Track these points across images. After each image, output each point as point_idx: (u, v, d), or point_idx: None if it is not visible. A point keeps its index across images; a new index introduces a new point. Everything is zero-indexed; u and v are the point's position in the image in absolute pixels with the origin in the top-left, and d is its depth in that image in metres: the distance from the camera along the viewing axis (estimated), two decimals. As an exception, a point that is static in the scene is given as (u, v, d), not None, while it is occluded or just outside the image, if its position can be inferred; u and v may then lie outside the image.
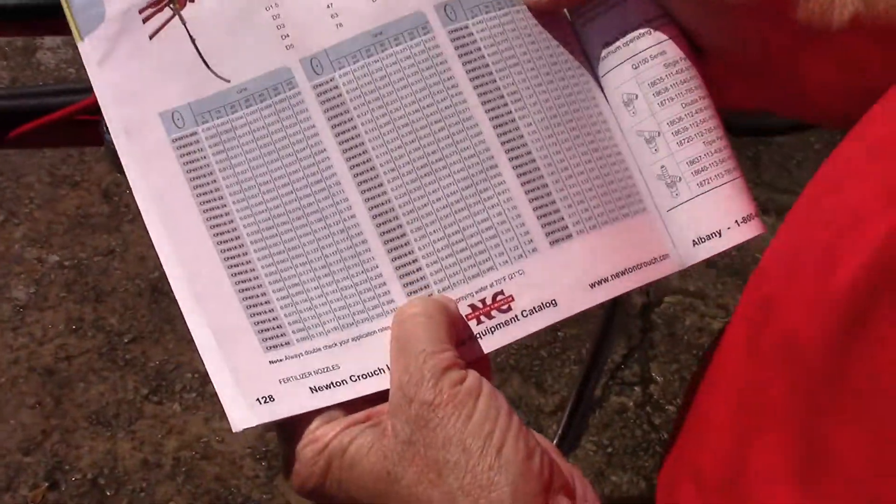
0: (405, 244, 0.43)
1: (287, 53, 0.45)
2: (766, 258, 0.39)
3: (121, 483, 1.42)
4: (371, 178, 0.43)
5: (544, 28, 0.46)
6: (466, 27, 0.45)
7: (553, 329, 1.83)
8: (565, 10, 0.47)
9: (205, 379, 1.50)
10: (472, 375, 0.38)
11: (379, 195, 0.43)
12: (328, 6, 0.45)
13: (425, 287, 0.42)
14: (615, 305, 1.12)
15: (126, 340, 1.59)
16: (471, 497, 0.36)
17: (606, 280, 0.43)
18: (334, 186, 0.43)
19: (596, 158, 0.45)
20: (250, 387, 0.42)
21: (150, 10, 0.46)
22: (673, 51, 0.45)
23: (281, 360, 0.43)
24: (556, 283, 0.43)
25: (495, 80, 0.44)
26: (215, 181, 0.44)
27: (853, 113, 0.42)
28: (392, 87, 0.44)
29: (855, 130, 0.38)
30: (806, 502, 0.31)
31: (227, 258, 0.44)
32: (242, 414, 0.42)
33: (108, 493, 1.41)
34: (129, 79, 0.46)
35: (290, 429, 0.41)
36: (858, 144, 0.37)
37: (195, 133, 0.45)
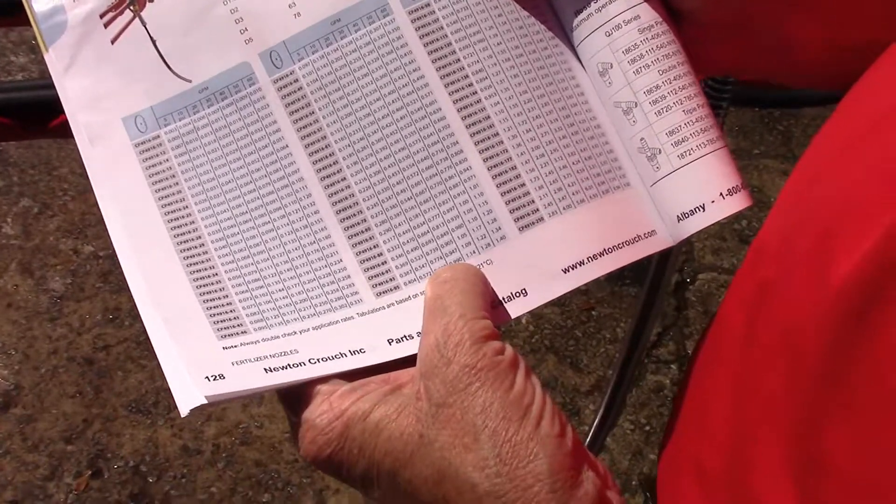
0: (369, 238, 0.42)
1: (246, 48, 0.44)
2: (762, 236, 0.38)
3: (162, 470, 1.44)
4: (334, 173, 0.42)
5: None
6: (428, 5, 0.43)
7: (587, 308, 1.83)
8: None
9: (241, 365, 1.51)
10: (510, 348, 0.38)
11: (342, 189, 0.42)
12: None
13: (391, 279, 0.42)
14: (655, 285, 1.11)
15: (163, 329, 1.61)
16: (508, 466, 0.35)
17: (582, 263, 0.41)
18: (297, 182, 0.43)
19: (572, 133, 0.43)
20: (200, 367, 0.41)
21: (110, 14, 0.45)
22: (647, 15, 0.42)
23: (235, 347, 0.42)
24: (525, 271, 0.41)
25: (459, 59, 0.42)
26: (177, 183, 0.44)
27: (841, 72, 0.40)
28: (352, 76, 0.43)
29: (846, 101, 0.36)
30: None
31: (186, 256, 0.44)
32: (190, 393, 0.40)
33: (151, 480, 1.43)
34: (93, 85, 0.45)
35: (296, 398, 0.40)
36: (852, 118, 0.35)
37: (158, 136, 0.44)
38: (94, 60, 0.45)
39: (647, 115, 0.42)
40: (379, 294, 0.42)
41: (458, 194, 0.41)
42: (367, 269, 0.42)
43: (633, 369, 1.26)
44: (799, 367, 0.31)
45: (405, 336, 0.41)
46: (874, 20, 0.40)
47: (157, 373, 1.53)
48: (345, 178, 0.42)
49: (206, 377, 0.40)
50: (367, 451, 0.37)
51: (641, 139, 0.42)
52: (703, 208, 0.41)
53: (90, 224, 1.81)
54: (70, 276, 1.72)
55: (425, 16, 0.43)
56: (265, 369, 0.41)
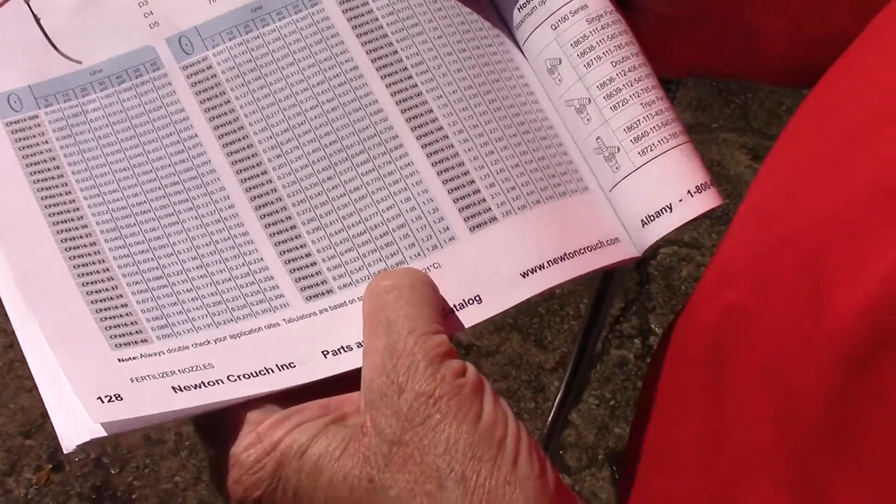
0: (295, 237, 0.38)
1: (150, 32, 0.40)
2: (727, 253, 0.34)
3: (125, 461, 1.42)
4: (252, 166, 0.38)
5: None
6: None
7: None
8: None
9: (203, 353, 1.49)
10: (472, 368, 0.32)
11: (262, 184, 0.38)
12: None
13: (322, 282, 0.37)
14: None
15: (121, 318, 1.59)
16: None
17: (542, 267, 0.37)
18: (208, 175, 0.39)
19: (522, 132, 0.40)
20: (90, 385, 0.33)
21: None
22: (595, 4, 0.39)
23: (134, 358, 0.35)
24: (479, 275, 0.37)
25: (396, 51, 0.39)
26: (59, 167, 0.39)
27: (807, 67, 0.37)
28: (276, 66, 0.39)
29: (818, 98, 0.33)
30: None
31: (69, 248, 0.38)
32: (77, 423, 0.32)
33: (113, 472, 1.41)
34: None
35: (218, 430, 0.34)
36: (832, 119, 0.31)
37: (35, 116, 0.39)
38: None
39: (601, 111, 0.39)
40: (309, 298, 0.37)
41: (400, 191, 0.38)
42: (294, 269, 0.38)
43: (593, 344, 1.26)
44: (792, 413, 0.27)
45: (343, 347, 0.36)
46: (841, 10, 0.38)
47: (116, 363, 1.51)
48: (265, 172, 0.39)
49: (100, 398, 0.32)
50: (304, 496, 0.31)
51: (598, 138, 0.39)
52: (670, 208, 0.38)
53: (43, 213, 1.78)
54: (24, 268, 1.69)
55: (358, 6, 0.40)
56: (174, 388, 0.34)
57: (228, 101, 0.39)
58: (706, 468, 0.32)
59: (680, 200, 0.38)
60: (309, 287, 0.37)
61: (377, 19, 0.40)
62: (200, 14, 0.40)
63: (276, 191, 0.38)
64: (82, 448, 0.32)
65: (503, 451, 0.30)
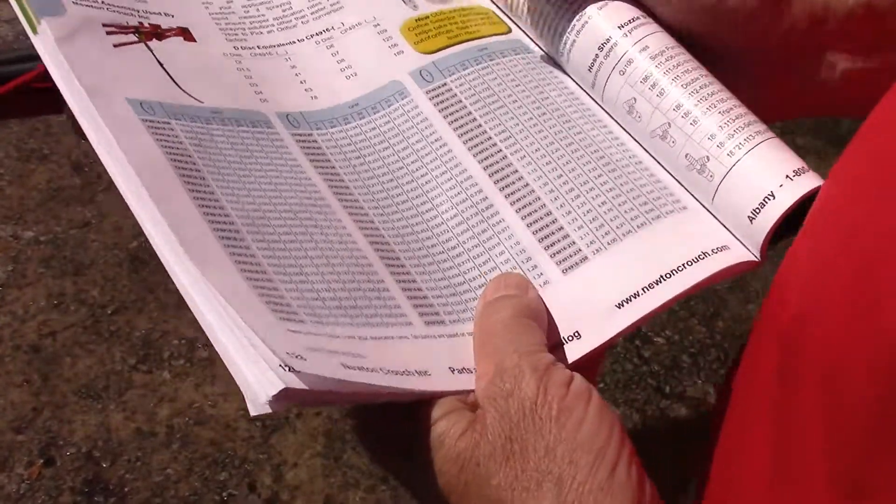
0: (406, 273, 0.41)
1: (261, 104, 0.44)
2: (793, 255, 0.34)
3: (116, 454, 1.42)
4: (363, 217, 0.42)
5: (528, 71, 0.47)
6: (445, 84, 0.45)
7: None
8: (544, 51, 0.46)
9: (192, 345, 1.49)
10: (579, 377, 0.34)
11: (373, 230, 0.41)
12: (301, 82, 0.45)
13: (435, 314, 0.40)
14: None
15: (109, 312, 1.58)
16: None
17: (637, 295, 0.39)
18: (327, 209, 0.41)
19: (609, 171, 0.43)
20: (275, 347, 0.32)
21: (114, 29, 0.43)
22: (656, 43, 0.43)
23: (298, 332, 0.35)
24: (576, 313, 0.39)
25: (481, 126, 0.44)
26: (195, 163, 0.39)
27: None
28: (373, 149, 0.44)
29: (885, 112, 0.33)
30: None
31: (217, 229, 0.37)
32: (266, 379, 0.31)
33: (104, 465, 1.41)
34: (90, 62, 0.41)
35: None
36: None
37: (169, 123, 0.40)
38: (95, 50, 0.41)
39: (683, 130, 0.42)
40: (427, 324, 0.39)
41: (494, 246, 0.42)
42: (410, 297, 0.40)
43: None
44: (842, 420, 0.27)
45: (465, 368, 0.37)
46: None
47: (106, 357, 1.51)
48: (373, 222, 0.42)
49: (287, 353, 0.32)
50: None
51: (686, 155, 0.42)
52: (773, 196, 0.38)
53: (29, 208, 1.76)
54: (11, 263, 1.68)
55: (443, 93, 0.45)
56: (342, 364, 0.34)
57: (334, 168, 0.43)
58: (775, 487, 0.32)
59: (780, 185, 0.38)
60: (425, 314, 0.40)
61: (461, 101, 0.45)
62: (303, 104, 0.45)
63: (384, 239, 0.41)
64: (276, 400, 0.31)
65: (602, 458, 0.31)
